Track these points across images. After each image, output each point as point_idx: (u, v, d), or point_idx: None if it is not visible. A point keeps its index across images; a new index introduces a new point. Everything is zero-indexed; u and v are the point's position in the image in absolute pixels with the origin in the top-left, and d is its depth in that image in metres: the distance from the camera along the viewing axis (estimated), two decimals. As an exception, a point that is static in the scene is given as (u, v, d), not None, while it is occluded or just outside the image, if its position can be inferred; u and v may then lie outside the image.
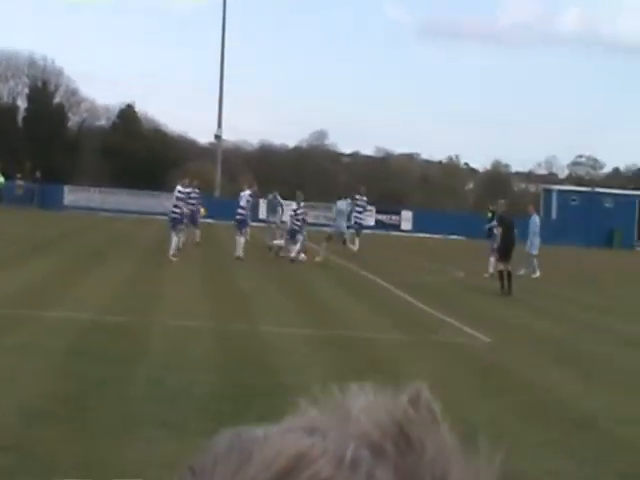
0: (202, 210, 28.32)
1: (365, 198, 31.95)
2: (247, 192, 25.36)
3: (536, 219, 27.36)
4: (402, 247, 36.14)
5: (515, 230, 21.17)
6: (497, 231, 21.64)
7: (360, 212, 31.05)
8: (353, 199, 30.40)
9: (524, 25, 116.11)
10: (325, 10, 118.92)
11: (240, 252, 23.95)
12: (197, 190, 27.70)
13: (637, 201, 58.30)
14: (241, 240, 24.29)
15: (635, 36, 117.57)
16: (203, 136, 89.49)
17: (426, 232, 52.42)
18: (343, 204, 28.24)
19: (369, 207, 31.71)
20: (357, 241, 29.50)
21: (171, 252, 22.36)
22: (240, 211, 25.04)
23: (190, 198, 25.86)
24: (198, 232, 27.30)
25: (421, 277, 23.14)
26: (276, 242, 25.52)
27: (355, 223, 30.30)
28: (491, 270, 23.81)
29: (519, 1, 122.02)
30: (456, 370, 10.43)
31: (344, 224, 28.17)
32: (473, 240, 48.37)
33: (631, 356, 12.42)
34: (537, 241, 26.67)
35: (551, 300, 19.91)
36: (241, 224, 24.69)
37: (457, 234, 52.90)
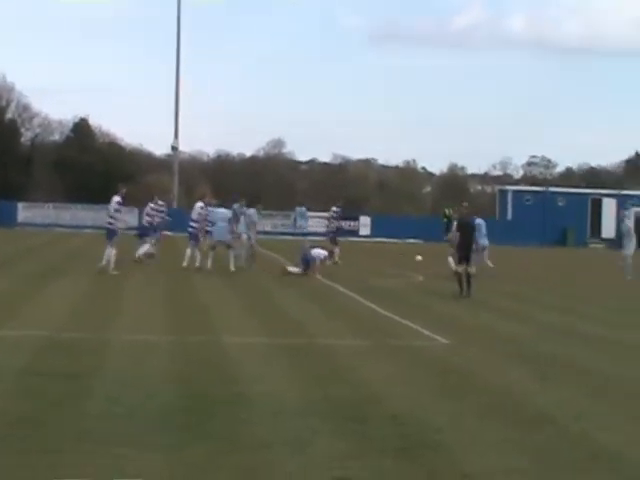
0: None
1: (336, 209, 31.86)
2: (199, 204, 25.40)
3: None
4: (361, 253, 36.25)
5: (476, 232, 21.30)
6: (455, 234, 21.78)
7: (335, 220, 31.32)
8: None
9: (474, 28, 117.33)
10: (279, 18, 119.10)
11: (197, 262, 24.13)
12: (160, 203, 28.40)
13: (589, 199, 59.06)
14: (192, 251, 24.49)
15: (581, 38, 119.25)
16: (159, 148, 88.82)
17: (384, 237, 52.66)
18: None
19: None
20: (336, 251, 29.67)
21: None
22: (192, 224, 25.07)
23: (160, 212, 27.68)
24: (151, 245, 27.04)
25: (380, 281, 23.25)
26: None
27: (333, 232, 30.63)
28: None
29: (469, 4, 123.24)
30: (416, 373, 10.51)
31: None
32: (431, 243, 48.73)
33: (588, 355, 12.58)
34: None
35: (508, 300, 20.11)
36: (192, 236, 24.75)
37: (415, 238, 53.19)
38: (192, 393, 8.84)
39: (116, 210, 22.49)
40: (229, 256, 24.30)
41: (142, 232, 27.09)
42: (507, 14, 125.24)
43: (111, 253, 22.05)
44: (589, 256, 45.35)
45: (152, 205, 27.53)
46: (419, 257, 30.82)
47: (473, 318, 16.39)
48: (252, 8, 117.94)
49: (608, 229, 56.69)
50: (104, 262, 22.06)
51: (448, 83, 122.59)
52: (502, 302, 19.68)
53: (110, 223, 22.59)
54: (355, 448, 7.08)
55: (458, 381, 10.05)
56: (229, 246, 24.64)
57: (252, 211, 27.01)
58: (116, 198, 22.58)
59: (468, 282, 20.19)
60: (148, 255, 25.98)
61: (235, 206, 27.78)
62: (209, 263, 24.04)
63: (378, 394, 9.12)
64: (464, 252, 20.58)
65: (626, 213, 30.91)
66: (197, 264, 24.21)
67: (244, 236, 26.33)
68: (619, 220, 55.25)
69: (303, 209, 29.51)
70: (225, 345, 12.03)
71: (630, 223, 29.88)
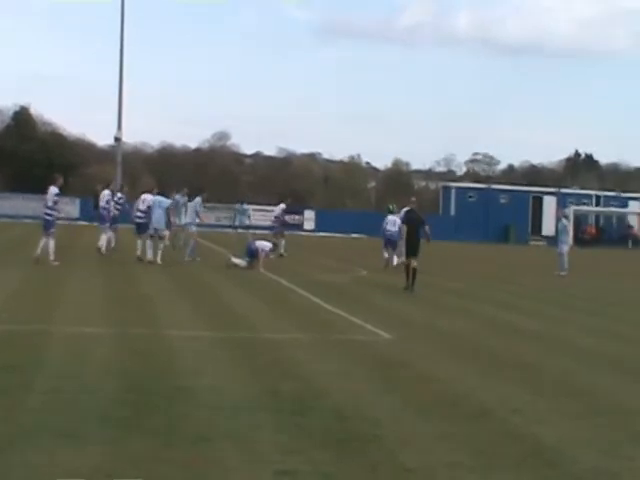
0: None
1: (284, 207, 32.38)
2: (144, 196, 25.34)
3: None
4: (305, 247, 36.26)
5: (426, 226, 21.39)
6: (402, 228, 22.04)
7: (282, 214, 31.85)
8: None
9: (421, 25, 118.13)
10: (225, 10, 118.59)
11: (150, 255, 24.17)
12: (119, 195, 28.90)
13: (530, 197, 59.93)
14: (142, 242, 24.59)
15: (526, 37, 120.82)
16: (103, 139, 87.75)
17: (328, 231, 52.79)
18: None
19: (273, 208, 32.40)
20: (282, 243, 29.98)
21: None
22: (138, 214, 24.98)
23: (118, 203, 28.08)
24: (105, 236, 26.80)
25: (324, 276, 23.28)
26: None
27: (278, 227, 31.12)
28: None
29: (415, 2, 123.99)
30: (358, 367, 10.53)
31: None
32: (375, 238, 48.96)
33: (528, 350, 12.75)
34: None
35: (451, 296, 20.30)
36: (140, 227, 24.86)
37: (359, 232, 53.39)
38: (132, 387, 8.74)
39: (54, 202, 22.16)
40: (156, 246, 24.28)
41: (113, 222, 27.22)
42: (453, 12, 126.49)
43: (49, 244, 21.72)
44: (529, 253, 45.99)
45: (120, 195, 28.58)
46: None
47: (416, 313, 16.50)
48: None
49: (548, 227, 57.61)
50: (38, 251, 21.74)
51: (394, 79, 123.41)
52: (445, 297, 19.85)
53: (47, 214, 22.16)
54: (297, 442, 7.07)
55: (400, 376, 10.10)
56: (160, 237, 24.57)
57: (198, 200, 26.81)
58: (54, 189, 22.23)
59: (414, 276, 20.38)
60: (107, 246, 25.96)
61: (177, 196, 27.63)
62: (149, 253, 24.04)
63: (321, 388, 9.12)
64: (411, 246, 20.82)
65: (565, 212, 31.50)
66: (138, 253, 24.40)
67: (192, 228, 26.20)
68: (557, 218, 56.30)
69: (243, 206, 29.50)
70: (167, 338, 11.92)
71: (566, 221, 30.40)
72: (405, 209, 23.48)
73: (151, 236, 24.49)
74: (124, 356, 10.42)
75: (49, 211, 22.18)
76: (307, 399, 8.56)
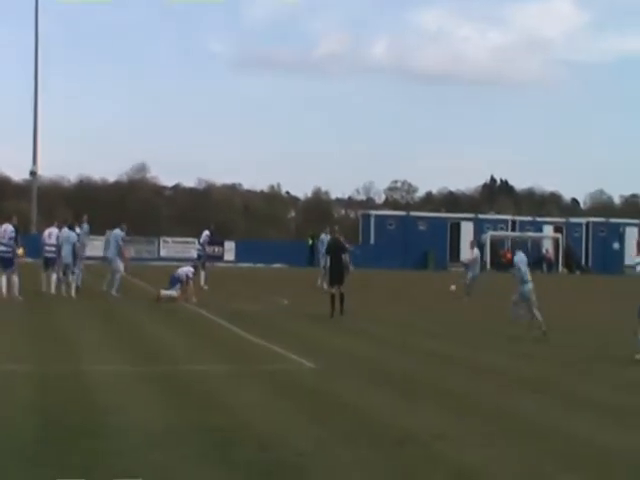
0: (20, 250, 27.59)
1: (208, 232, 31.92)
2: (55, 230, 25.07)
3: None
4: (226, 278, 36.11)
5: (346, 254, 21.71)
6: (324, 257, 22.34)
7: (205, 245, 31.44)
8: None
9: (337, 55, 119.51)
10: (142, 42, 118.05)
11: (52, 289, 24.07)
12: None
13: (448, 224, 60.84)
14: (52, 277, 24.37)
15: (441, 65, 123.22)
16: (19, 173, 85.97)
17: (249, 262, 52.67)
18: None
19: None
20: (203, 275, 29.65)
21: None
22: (47, 248, 24.74)
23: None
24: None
25: (246, 306, 23.22)
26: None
27: (201, 256, 30.77)
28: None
29: (331, 32, 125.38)
30: (282, 397, 10.54)
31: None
32: (296, 268, 49.03)
33: (448, 375, 12.92)
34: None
35: (373, 323, 20.43)
36: (51, 261, 24.58)
37: (280, 262, 53.41)
38: (53, 424, 8.59)
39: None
40: (62, 279, 24.20)
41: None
42: (369, 41, 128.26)
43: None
44: (448, 279, 46.59)
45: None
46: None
47: (338, 341, 16.57)
48: (116, 32, 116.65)
49: (467, 253, 58.49)
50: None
51: (312, 109, 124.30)
52: (366, 325, 19.97)
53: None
54: (221, 475, 7.04)
55: (324, 404, 10.14)
56: (73, 272, 24.38)
57: (117, 232, 26.37)
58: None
59: (341, 302, 20.71)
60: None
61: (109, 233, 27.07)
62: (52, 288, 24.04)
63: (244, 419, 9.10)
64: (335, 274, 21.16)
65: (480, 239, 31.93)
66: (51, 290, 24.14)
67: (117, 262, 25.59)
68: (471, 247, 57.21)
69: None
70: (87, 374, 11.74)
71: (476, 251, 30.64)
72: (326, 237, 23.77)
73: (64, 272, 24.29)
74: (44, 393, 10.23)
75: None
76: (231, 431, 8.53)
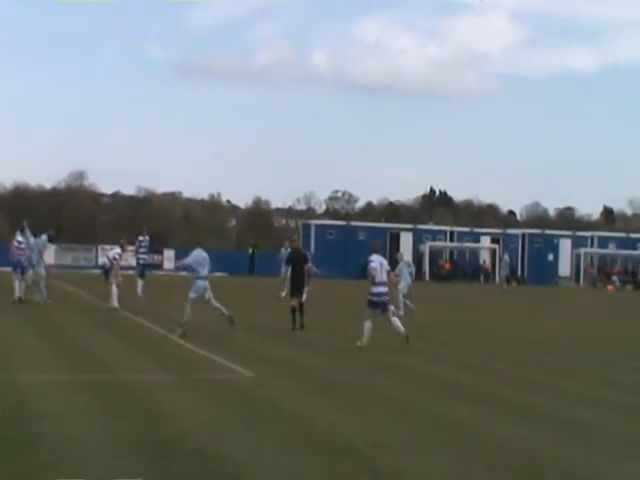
0: None
1: (147, 237, 31.85)
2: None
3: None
4: (165, 286, 35.80)
5: (308, 264, 21.43)
6: (285, 268, 21.90)
7: (144, 253, 31.16)
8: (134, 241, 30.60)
9: (278, 64, 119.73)
10: (83, 46, 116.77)
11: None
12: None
13: (388, 233, 61.24)
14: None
15: (381, 76, 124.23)
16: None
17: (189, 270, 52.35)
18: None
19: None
20: (141, 283, 29.31)
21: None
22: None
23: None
24: None
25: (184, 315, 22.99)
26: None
27: (140, 265, 30.46)
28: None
29: (272, 40, 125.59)
30: (220, 406, 10.49)
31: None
32: (236, 277, 48.81)
33: (390, 383, 12.98)
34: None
35: (313, 332, 20.44)
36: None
37: (220, 271, 53.13)
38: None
39: None
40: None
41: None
42: (309, 51, 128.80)
43: None
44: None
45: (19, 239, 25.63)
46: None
47: (276, 350, 16.56)
48: (59, 36, 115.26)
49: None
50: None
51: (252, 118, 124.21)
52: (305, 334, 19.97)
53: None
54: (159, 485, 6.98)
55: (263, 413, 10.12)
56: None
57: (43, 238, 25.94)
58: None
59: (301, 312, 20.55)
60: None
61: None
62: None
63: (183, 429, 9.03)
64: (296, 285, 20.79)
65: (401, 253, 31.79)
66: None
67: (40, 269, 25.18)
68: (415, 254, 57.65)
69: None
70: (22, 383, 11.54)
71: (402, 261, 30.57)
72: (286, 251, 23.45)
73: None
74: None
75: None
76: (170, 441, 8.45)
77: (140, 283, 29.63)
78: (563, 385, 13.50)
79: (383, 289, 17.37)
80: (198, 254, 18.68)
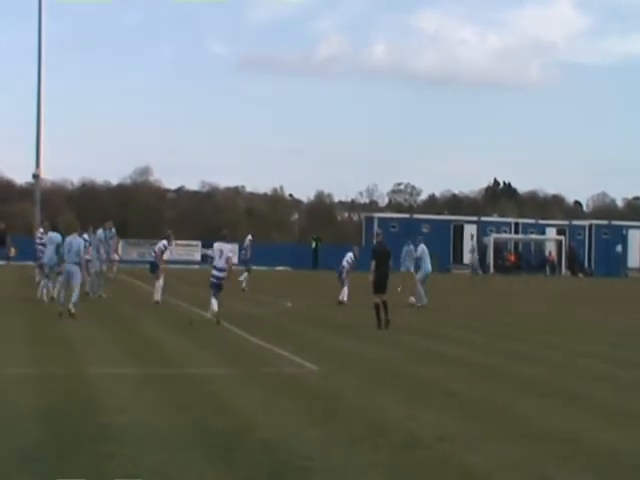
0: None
1: (250, 238, 33.26)
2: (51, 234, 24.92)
3: None
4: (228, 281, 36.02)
5: (390, 261, 20.18)
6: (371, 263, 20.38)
7: (245, 250, 32.97)
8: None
9: (337, 58, 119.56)
10: (145, 44, 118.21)
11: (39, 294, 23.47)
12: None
13: (452, 226, 60.79)
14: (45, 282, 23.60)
15: (441, 68, 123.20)
16: (22, 176, 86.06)
17: (253, 264, 52.62)
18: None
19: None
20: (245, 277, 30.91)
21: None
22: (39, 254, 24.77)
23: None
24: None
25: (249, 309, 23.16)
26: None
27: (242, 260, 31.89)
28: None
29: (332, 34, 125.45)
30: (286, 400, 10.47)
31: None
32: (300, 270, 49.02)
33: (453, 377, 12.85)
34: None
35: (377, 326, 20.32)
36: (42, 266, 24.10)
37: (284, 265, 53.38)
38: (54, 427, 8.53)
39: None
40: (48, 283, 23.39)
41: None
42: (369, 44, 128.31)
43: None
44: (452, 281, 46.53)
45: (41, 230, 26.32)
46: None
47: (341, 344, 16.51)
48: (120, 34, 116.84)
49: (469, 255, 58.41)
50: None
51: (315, 112, 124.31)
52: (370, 329, 19.86)
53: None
54: (225, 476, 6.99)
55: (328, 407, 10.08)
56: (59, 273, 23.36)
57: (100, 234, 26.18)
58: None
59: (385, 309, 19.52)
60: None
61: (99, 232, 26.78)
62: (42, 292, 23.30)
63: (249, 422, 9.04)
64: (379, 281, 19.69)
65: (411, 244, 31.03)
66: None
67: (97, 263, 25.21)
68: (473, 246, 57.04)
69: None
70: (90, 377, 11.69)
71: (412, 248, 29.71)
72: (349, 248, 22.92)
73: (46, 275, 23.46)
74: (45, 396, 10.17)
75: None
76: (235, 434, 8.47)
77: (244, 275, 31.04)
78: (631, 377, 13.20)
79: None
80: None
